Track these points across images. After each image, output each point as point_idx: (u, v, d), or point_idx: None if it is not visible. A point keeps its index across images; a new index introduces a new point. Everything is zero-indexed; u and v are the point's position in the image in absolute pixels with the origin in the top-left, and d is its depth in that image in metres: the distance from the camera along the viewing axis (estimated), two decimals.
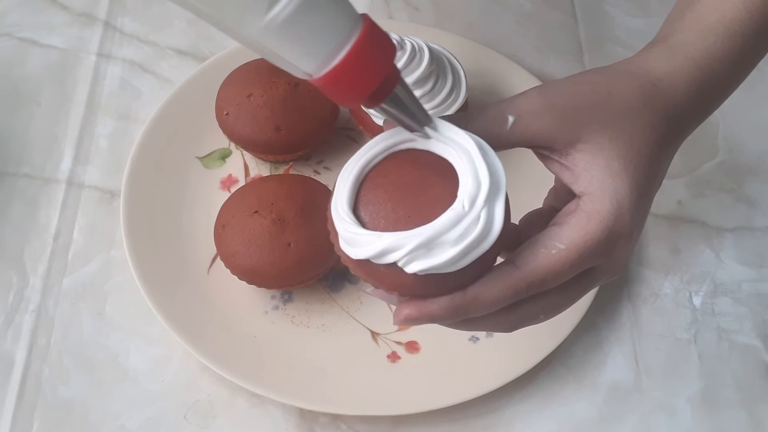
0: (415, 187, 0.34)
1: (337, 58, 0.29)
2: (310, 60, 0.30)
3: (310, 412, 0.50)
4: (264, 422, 0.50)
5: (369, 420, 0.50)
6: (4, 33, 0.65)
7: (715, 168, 0.63)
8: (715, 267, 0.59)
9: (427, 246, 0.32)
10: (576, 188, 0.36)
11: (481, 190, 0.32)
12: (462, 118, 0.36)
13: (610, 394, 0.53)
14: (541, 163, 0.38)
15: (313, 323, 0.53)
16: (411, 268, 0.32)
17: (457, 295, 0.34)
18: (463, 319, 0.35)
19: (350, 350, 0.52)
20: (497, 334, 0.53)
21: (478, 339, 0.53)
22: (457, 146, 0.34)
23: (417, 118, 0.33)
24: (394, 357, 0.52)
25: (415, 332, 0.53)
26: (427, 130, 0.34)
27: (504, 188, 0.33)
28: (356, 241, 0.33)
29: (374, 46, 0.30)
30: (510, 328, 0.37)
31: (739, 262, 0.59)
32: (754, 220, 0.61)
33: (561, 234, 0.34)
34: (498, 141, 0.35)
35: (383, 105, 0.32)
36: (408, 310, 0.34)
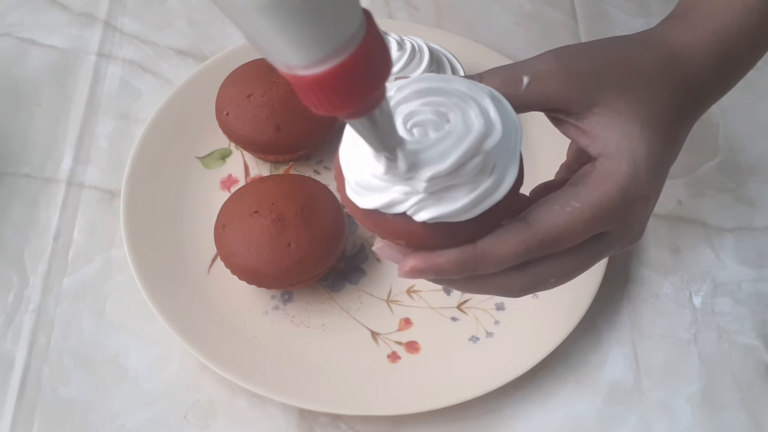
0: None
1: (339, 57, 0.24)
2: (309, 52, 0.24)
3: (310, 412, 0.50)
4: (264, 422, 0.50)
5: (369, 420, 0.50)
6: (4, 33, 0.65)
7: (715, 168, 0.63)
8: (715, 267, 0.59)
9: (437, 197, 0.31)
10: (592, 150, 0.35)
11: (494, 136, 0.31)
12: (476, 79, 0.35)
13: (610, 394, 0.53)
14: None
15: (313, 323, 0.53)
16: (420, 217, 0.31)
17: (466, 248, 0.33)
18: (470, 275, 0.34)
19: (350, 350, 0.52)
20: (497, 334, 0.53)
21: (478, 339, 0.53)
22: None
23: (391, 139, 0.29)
24: (394, 357, 0.52)
25: (415, 332, 0.53)
26: (398, 152, 0.30)
27: (519, 138, 0.33)
28: (372, 185, 0.31)
29: (379, 50, 0.25)
30: (519, 291, 0.35)
31: (739, 262, 0.59)
32: (754, 220, 0.61)
33: (576, 193, 0.34)
34: (513, 102, 0.34)
35: (365, 117, 0.27)
36: (414, 261, 0.33)
